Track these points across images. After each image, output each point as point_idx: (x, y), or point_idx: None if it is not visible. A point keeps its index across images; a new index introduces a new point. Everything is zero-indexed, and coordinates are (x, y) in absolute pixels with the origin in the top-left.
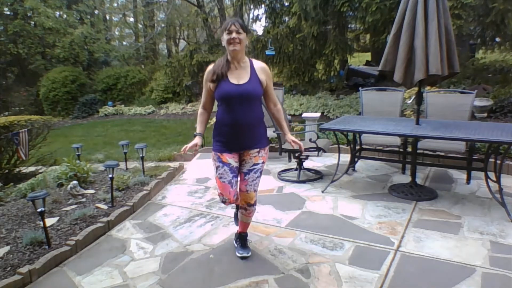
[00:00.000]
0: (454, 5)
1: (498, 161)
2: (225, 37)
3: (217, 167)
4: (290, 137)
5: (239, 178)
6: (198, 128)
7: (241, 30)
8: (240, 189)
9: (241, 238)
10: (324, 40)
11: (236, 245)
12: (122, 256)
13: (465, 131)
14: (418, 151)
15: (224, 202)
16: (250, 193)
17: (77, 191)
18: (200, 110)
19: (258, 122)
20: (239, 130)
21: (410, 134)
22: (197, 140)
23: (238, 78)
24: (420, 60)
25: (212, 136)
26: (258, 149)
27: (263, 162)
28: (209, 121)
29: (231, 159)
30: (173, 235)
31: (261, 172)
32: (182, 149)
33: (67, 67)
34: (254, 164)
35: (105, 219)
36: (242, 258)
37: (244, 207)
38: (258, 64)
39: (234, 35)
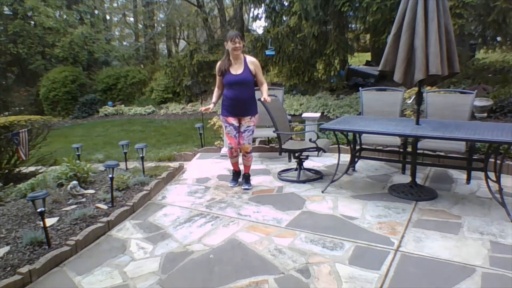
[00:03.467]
0: (456, 4)
1: (498, 161)
2: (230, 45)
3: (225, 127)
4: (265, 96)
5: (238, 135)
6: (213, 99)
7: (241, 41)
8: (239, 142)
9: (245, 177)
10: (325, 40)
11: (242, 181)
12: (122, 256)
13: (465, 131)
14: (418, 151)
15: (231, 148)
16: (246, 145)
17: (77, 191)
18: (215, 89)
19: (250, 98)
20: (237, 102)
21: (410, 134)
22: (210, 105)
23: (236, 70)
24: (420, 60)
25: (221, 106)
26: (250, 116)
27: (254, 125)
28: (210, 121)
29: (234, 121)
30: (173, 235)
31: (252, 131)
32: (200, 108)
33: (67, 67)
34: (247, 126)
35: (105, 219)
36: (246, 189)
37: (244, 154)
38: (249, 59)
39: (237, 44)
